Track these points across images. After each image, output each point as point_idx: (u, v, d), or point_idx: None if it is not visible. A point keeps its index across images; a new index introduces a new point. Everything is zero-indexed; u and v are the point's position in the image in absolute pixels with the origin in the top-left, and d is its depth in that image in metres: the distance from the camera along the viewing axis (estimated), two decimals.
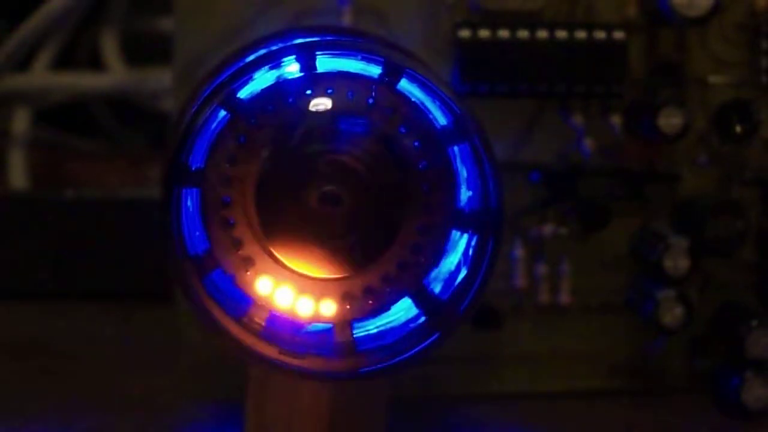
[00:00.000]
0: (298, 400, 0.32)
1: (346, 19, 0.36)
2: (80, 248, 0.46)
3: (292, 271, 0.30)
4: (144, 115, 0.55)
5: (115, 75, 0.53)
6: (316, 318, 0.30)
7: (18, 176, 0.52)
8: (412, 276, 0.30)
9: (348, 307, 0.30)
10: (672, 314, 0.35)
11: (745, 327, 0.34)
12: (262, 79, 0.29)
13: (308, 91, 0.29)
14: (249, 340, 0.29)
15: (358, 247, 0.30)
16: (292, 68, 0.29)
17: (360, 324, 0.30)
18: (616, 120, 0.36)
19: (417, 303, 0.30)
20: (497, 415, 0.36)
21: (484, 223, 0.30)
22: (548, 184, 0.36)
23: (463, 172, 0.30)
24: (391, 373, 0.30)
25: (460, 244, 0.30)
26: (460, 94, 0.31)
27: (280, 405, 0.32)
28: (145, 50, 0.54)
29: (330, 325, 0.30)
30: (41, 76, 0.52)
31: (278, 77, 0.29)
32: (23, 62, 0.51)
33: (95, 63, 0.54)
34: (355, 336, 0.30)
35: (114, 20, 0.54)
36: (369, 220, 0.30)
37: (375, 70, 0.29)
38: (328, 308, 0.30)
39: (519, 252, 0.37)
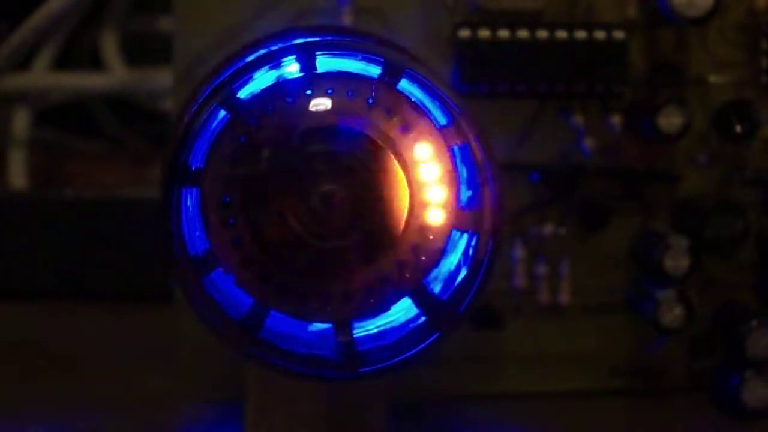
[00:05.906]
0: (298, 401, 0.32)
1: (346, 19, 0.36)
2: (80, 248, 0.46)
3: (292, 271, 0.29)
4: (144, 115, 0.55)
5: (115, 75, 0.53)
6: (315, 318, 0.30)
7: (18, 176, 0.52)
8: (412, 276, 0.30)
9: (348, 306, 0.30)
10: (672, 314, 0.35)
11: (745, 327, 0.34)
12: (262, 79, 0.29)
13: (308, 91, 0.29)
14: (248, 341, 0.29)
15: (358, 247, 0.30)
16: (292, 68, 0.29)
17: (360, 324, 0.30)
18: (616, 120, 0.36)
19: (417, 303, 0.30)
20: (497, 415, 0.36)
21: (484, 223, 0.30)
22: (548, 184, 0.36)
23: (463, 172, 0.30)
24: (391, 373, 0.30)
25: (460, 244, 0.30)
26: (459, 94, 0.31)
27: (279, 405, 0.32)
28: (145, 50, 0.54)
29: (330, 325, 0.30)
30: (41, 76, 0.52)
31: (278, 77, 0.29)
32: (23, 62, 0.51)
33: (95, 63, 0.54)
34: (355, 336, 0.30)
35: (114, 20, 0.54)
36: (369, 219, 0.30)
37: (375, 70, 0.29)
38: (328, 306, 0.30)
39: (519, 252, 0.36)
